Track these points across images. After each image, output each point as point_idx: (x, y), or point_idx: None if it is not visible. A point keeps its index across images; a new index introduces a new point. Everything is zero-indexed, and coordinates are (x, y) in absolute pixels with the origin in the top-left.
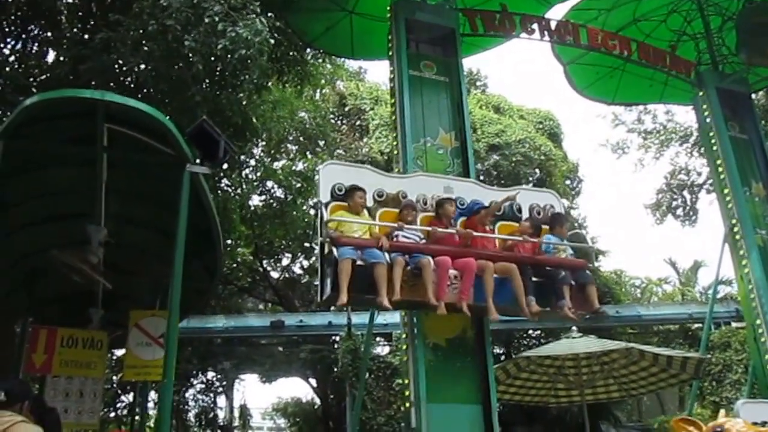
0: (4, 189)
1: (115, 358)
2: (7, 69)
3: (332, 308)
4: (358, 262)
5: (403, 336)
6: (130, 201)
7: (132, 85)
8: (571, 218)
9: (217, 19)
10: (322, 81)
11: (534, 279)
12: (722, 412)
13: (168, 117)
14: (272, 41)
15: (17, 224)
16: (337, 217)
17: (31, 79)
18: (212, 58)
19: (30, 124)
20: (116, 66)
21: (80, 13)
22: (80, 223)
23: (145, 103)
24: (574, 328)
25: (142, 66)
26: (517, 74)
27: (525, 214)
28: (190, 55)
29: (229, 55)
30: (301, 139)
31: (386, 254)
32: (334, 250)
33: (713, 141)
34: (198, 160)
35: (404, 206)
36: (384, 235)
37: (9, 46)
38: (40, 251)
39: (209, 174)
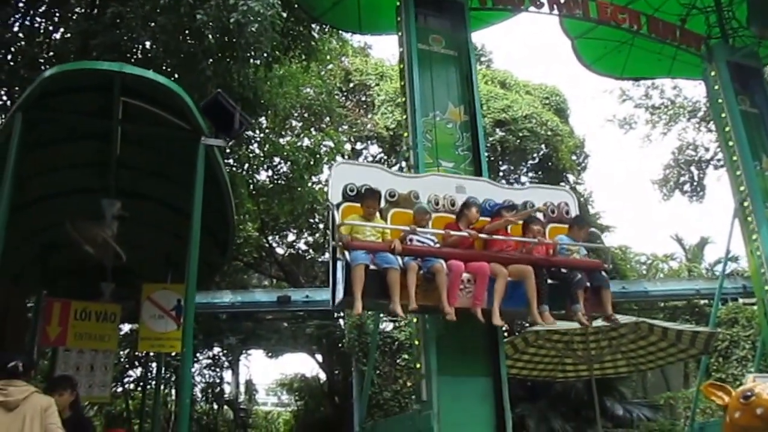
0: (20, 162)
1: (122, 333)
2: (18, 46)
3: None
4: (371, 267)
5: None
6: (144, 175)
7: (142, 60)
8: (577, 193)
9: None
10: (328, 57)
11: (549, 281)
12: (750, 377)
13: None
14: (284, 14)
15: (32, 198)
16: (350, 221)
17: (42, 55)
18: (224, 32)
19: (47, 96)
20: (126, 41)
21: None
22: (94, 197)
23: None
24: None
25: (153, 41)
26: (524, 49)
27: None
28: (202, 28)
29: (241, 29)
30: (306, 115)
31: (399, 258)
32: (347, 254)
33: (723, 115)
34: (212, 134)
35: (417, 211)
36: (397, 239)
37: (18, 23)
38: (55, 225)
39: (223, 146)
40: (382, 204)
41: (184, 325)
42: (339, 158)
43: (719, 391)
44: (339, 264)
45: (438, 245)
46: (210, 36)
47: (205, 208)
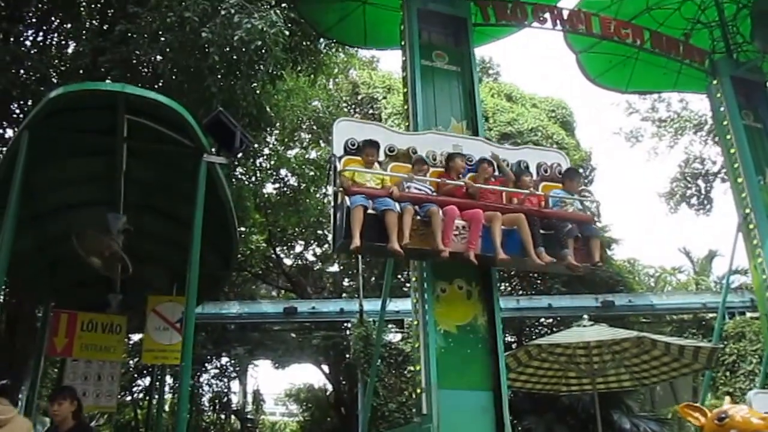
0: (29, 177)
1: (131, 342)
2: (29, 62)
3: (344, 295)
4: (369, 211)
5: (415, 323)
6: (149, 190)
7: (149, 75)
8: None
9: (233, 11)
10: (335, 70)
11: (542, 231)
12: (727, 399)
13: (184, 107)
14: (287, 33)
15: (41, 211)
16: (350, 168)
17: (52, 71)
18: (228, 49)
19: (53, 114)
20: (134, 57)
21: (98, 5)
22: (100, 210)
23: (162, 93)
24: (585, 316)
25: (160, 57)
26: (530, 62)
27: (532, 171)
28: (207, 46)
29: (244, 47)
30: (315, 127)
31: (397, 204)
32: (347, 199)
33: (727, 130)
34: (214, 150)
35: (416, 161)
36: (395, 185)
37: (30, 38)
38: (63, 237)
39: (225, 163)
40: (382, 158)
41: (185, 335)
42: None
43: (696, 413)
44: (339, 212)
45: (435, 194)
46: (215, 54)
47: (208, 221)
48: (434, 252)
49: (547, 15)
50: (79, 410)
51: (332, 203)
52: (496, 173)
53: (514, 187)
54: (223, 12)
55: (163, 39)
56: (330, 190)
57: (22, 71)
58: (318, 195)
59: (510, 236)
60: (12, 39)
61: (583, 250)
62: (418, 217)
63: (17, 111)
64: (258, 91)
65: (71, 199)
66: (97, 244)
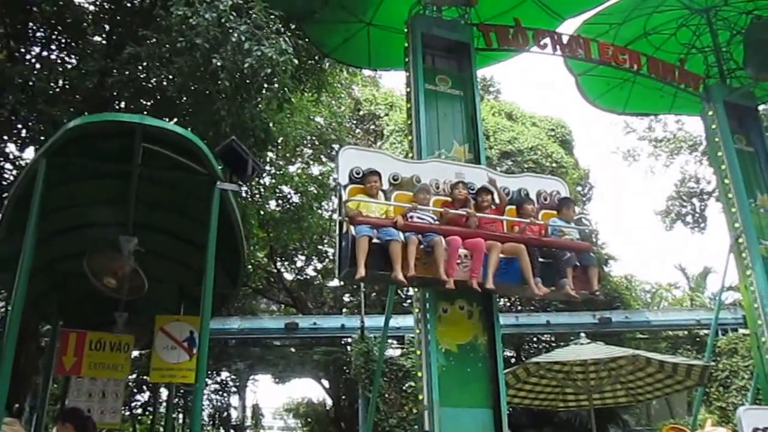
0: (42, 200)
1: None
2: (36, 81)
3: (344, 311)
4: (374, 240)
5: (417, 342)
6: (159, 210)
7: (158, 97)
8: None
9: (243, 38)
10: (338, 86)
11: (540, 260)
12: (709, 420)
13: (194, 129)
14: (296, 60)
15: (49, 231)
16: (356, 198)
17: (59, 90)
18: (239, 76)
19: (69, 142)
20: (143, 79)
21: (106, 26)
22: (110, 231)
23: (171, 115)
24: (582, 334)
25: (169, 81)
26: (530, 81)
27: (533, 198)
28: (218, 72)
29: (255, 74)
30: (317, 143)
31: (401, 233)
32: (352, 228)
33: (720, 154)
34: (227, 177)
35: (419, 189)
36: (400, 215)
37: (36, 56)
38: (71, 256)
39: (237, 191)
40: (386, 186)
41: (198, 361)
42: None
43: None
44: (345, 240)
45: (438, 223)
46: (226, 80)
47: (218, 243)
48: (438, 281)
49: (547, 40)
50: (84, 430)
51: (338, 231)
52: (496, 200)
53: (512, 213)
54: (233, 39)
55: (172, 63)
56: (336, 217)
57: (28, 91)
58: (320, 212)
59: (511, 264)
60: (18, 55)
61: (581, 277)
62: (422, 246)
63: (24, 131)
64: (265, 115)
65: (81, 219)
66: (111, 264)
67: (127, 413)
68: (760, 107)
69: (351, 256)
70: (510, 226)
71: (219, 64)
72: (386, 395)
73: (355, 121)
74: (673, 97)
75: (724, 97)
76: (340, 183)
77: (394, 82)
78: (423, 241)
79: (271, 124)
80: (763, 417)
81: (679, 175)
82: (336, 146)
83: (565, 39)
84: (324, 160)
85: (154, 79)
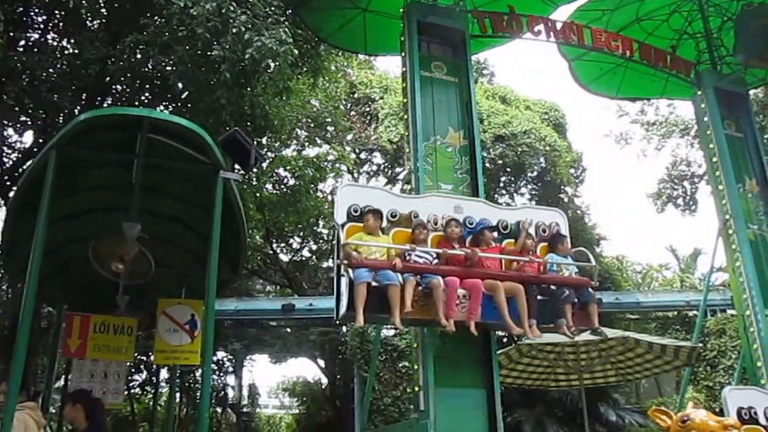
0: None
1: None
2: (39, 69)
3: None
4: (373, 284)
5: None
6: (162, 198)
7: (159, 85)
8: (574, 205)
9: (243, 29)
10: (333, 68)
11: (539, 297)
12: (690, 404)
13: (194, 117)
14: (296, 51)
15: (53, 217)
16: (353, 240)
17: (60, 79)
18: (239, 67)
19: (78, 134)
20: (144, 67)
21: (104, 11)
22: (114, 216)
23: (171, 102)
24: None
25: (170, 69)
26: (524, 64)
27: (531, 232)
28: (218, 62)
29: (255, 64)
30: (312, 125)
31: (399, 275)
32: (350, 271)
33: (710, 139)
34: (229, 167)
35: (415, 226)
36: (398, 257)
37: (36, 42)
38: (74, 241)
39: (239, 179)
40: (384, 224)
41: (203, 344)
42: (344, 167)
43: (663, 415)
44: (343, 280)
45: (436, 262)
46: (227, 70)
47: (220, 231)
48: (437, 323)
49: (541, 27)
50: (92, 413)
51: (335, 273)
52: (496, 237)
53: (510, 245)
54: (233, 30)
55: (173, 51)
56: (335, 259)
57: (33, 80)
58: (317, 194)
59: (508, 304)
60: (19, 43)
61: (580, 314)
62: (420, 288)
63: (23, 116)
64: (264, 101)
65: (85, 206)
66: (117, 249)
67: (126, 393)
68: (751, 92)
69: (349, 299)
70: (508, 263)
71: (220, 54)
72: (381, 375)
73: (350, 104)
74: (665, 81)
75: (715, 84)
76: (338, 222)
77: (388, 64)
78: (421, 283)
79: (267, 107)
80: (747, 397)
81: (671, 158)
82: (331, 129)
83: (558, 25)
84: (319, 142)
85: (155, 67)
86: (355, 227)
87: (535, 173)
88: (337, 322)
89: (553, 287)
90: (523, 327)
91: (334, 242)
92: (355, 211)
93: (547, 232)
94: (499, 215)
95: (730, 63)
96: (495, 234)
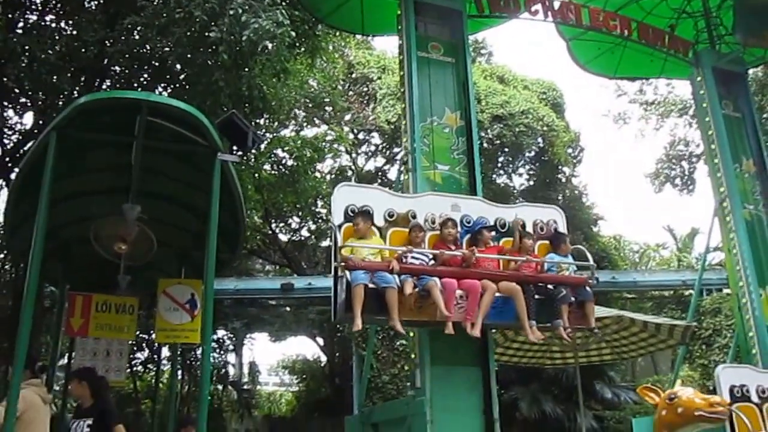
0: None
1: None
2: (38, 51)
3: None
4: (370, 286)
5: None
6: (161, 180)
7: (157, 67)
8: (572, 185)
9: (240, 10)
10: (331, 48)
11: (536, 297)
12: (679, 381)
13: (192, 98)
14: (293, 33)
15: (55, 198)
16: (350, 243)
17: (60, 61)
18: (237, 48)
19: (77, 117)
20: (142, 49)
21: None
22: (114, 198)
23: (170, 84)
24: None
25: (168, 51)
26: (521, 44)
27: (529, 230)
28: (216, 45)
29: (252, 46)
30: (310, 105)
31: (396, 277)
32: (347, 273)
33: (707, 119)
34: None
35: (412, 227)
36: (394, 259)
37: (32, 21)
38: (74, 222)
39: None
40: (382, 224)
41: (204, 319)
42: (342, 147)
43: (651, 393)
44: (340, 282)
45: (433, 263)
46: (224, 53)
47: (219, 211)
48: (434, 324)
49: (538, 6)
50: (96, 391)
51: (333, 275)
52: (494, 236)
53: (507, 245)
54: (231, 12)
55: (171, 33)
56: (332, 260)
57: (32, 62)
58: (315, 175)
59: (507, 304)
60: (18, 24)
61: (577, 313)
62: (417, 290)
63: (22, 97)
64: (261, 83)
65: (86, 187)
66: (118, 230)
67: (128, 370)
68: (750, 71)
69: (347, 302)
70: (506, 262)
71: (217, 36)
72: (379, 353)
73: (348, 84)
74: (664, 61)
75: (713, 63)
76: (335, 223)
77: (386, 44)
78: (418, 285)
79: (265, 88)
80: (739, 375)
81: (669, 138)
82: (329, 109)
83: (556, 5)
84: (317, 122)
85: (153, 49)
86: (352, 228)
87: (533, 153)
88: (336, 324)
89: (550, 287)
90: (524, 328)
91: (333, 246)
92: (352, 212)
93: (545, 230)
94: (497, 213)
95: (729, 42)
96: (493, 233)
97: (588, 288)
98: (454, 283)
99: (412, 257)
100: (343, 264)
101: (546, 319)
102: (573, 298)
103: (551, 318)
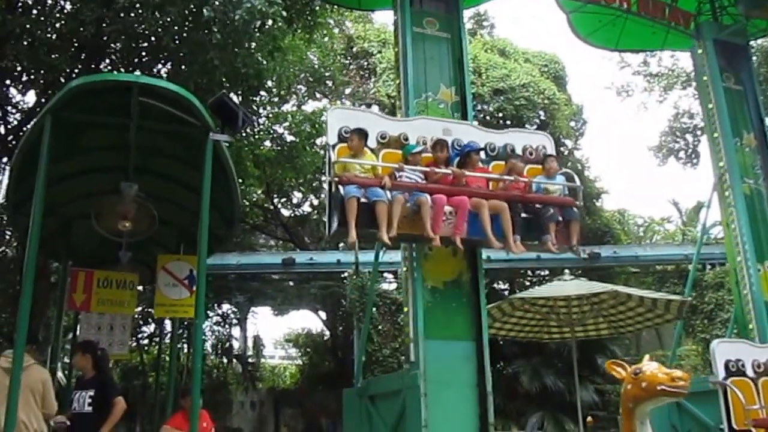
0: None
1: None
2: (37, 31)
3: (341, 246)
4: (362, 200)
5: (403, 279)
6: (157, 158)
7: (153, 45)
8: (574, 158)
9: None
10: (331, 22)
11: (524, 215)
12: (646, 357)
13: (188, 77)
14: (284, 12)
15: (53, 176)
16: (343, 159)
17: (58, 40)
18: (230, 27)
19: (73, 98)
20: (138, 28)
21: None
22: (112, 176)
23: (165, 63)
24: (566, 270)
25: (164, 30)
26: (523, 15)
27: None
28: (210, 23)
29: (245, 25)
30: (310, 80)
31: (388, 192)
32: (341, 188)
33: (708, 92)
34: (219, 129)
35: (412, 154)
36: (387, 175)
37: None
38: (74, 200)
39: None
40: (374, 145)
41: (196, 299)
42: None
43: (618, 367)
44: (334, 198)
45: (425, 182)
46: (218, 33)
47: (213, 188)
48: (424, 238)
49: None
50: (98, 362)
51: (327, 191)
52: (484, 159)
53: (498, 167)
54: None
55: (166, 13)
56: (325, 179)
57: (31, 42)
58: (315, 150)
59: (493, 221)
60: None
61: (563, 232)
62: (408, 205)
63: (24, 76)
64: (259, 58)
65: (85, 166)
66: (118, 207)
67: (134, 344)
68: (755, 42)
69: (340, 216)
70: (495, 183)
71: (211, 15)
72: (380, 327)
73: (348, 59)
74: (666, 33)
75: (715, 35)
76: (329, 143)
77: (386, 18)
78: (409, 200)
79: (262, 66)
80: (735, 349)
81: (673, 110)
82: (329, 83)
83: None
84: (318, 96)
85: (148, 28)
86: (345, 148)
87: (534, 126)
88: (330, 239)
89: (538, 206)
90: (507, 242)
91: (327, 164)
92: (346, 133)
93: (534, 155)
94: (487, 138)
95: (732, 13)
96: (482, 156)
97: (575, 209)
98: (444, 199)
99: (406, 176)
100: (336, 179)
101: (534, 237)
102: (560, 218)
103: (540, 234)
